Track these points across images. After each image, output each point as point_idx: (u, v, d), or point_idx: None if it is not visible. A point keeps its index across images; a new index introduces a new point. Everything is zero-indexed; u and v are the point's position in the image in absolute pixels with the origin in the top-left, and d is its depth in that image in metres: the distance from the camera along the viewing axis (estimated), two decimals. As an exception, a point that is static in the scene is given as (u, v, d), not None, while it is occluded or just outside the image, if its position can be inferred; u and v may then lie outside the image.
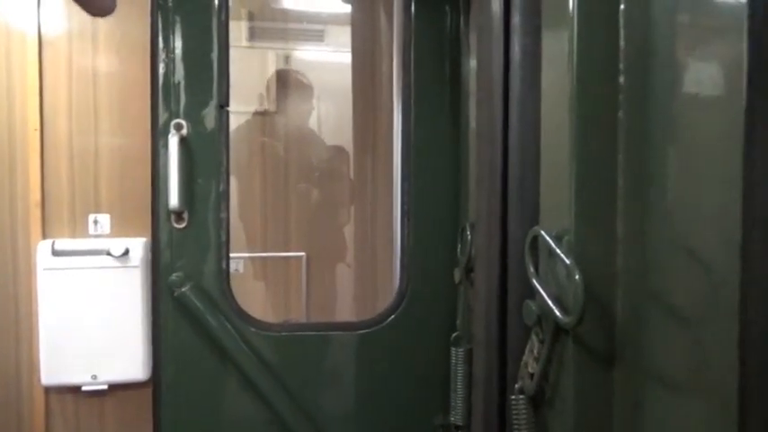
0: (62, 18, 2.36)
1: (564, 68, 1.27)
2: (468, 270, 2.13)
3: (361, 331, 2.38)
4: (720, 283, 0.95)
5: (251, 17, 3.60)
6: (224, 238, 2.27)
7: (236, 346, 2.27)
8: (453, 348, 2.20)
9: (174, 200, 2.14)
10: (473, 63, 2.09)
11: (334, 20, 3.71)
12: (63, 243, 2.33)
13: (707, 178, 0.99)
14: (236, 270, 3.25)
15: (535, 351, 1.37)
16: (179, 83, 2.22)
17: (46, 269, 2.30)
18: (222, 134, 2.26)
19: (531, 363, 1.38)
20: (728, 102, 0.93)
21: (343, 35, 3.37)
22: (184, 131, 2.21)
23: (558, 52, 1.31)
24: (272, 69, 3.57)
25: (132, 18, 2.34)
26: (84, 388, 2.36)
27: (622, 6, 1.21)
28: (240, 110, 3.37)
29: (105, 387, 2.37)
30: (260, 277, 3.43)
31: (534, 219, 1.43)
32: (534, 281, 1.34)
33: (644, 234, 1.16)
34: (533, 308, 1.36)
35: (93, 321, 2.32)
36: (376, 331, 2.38)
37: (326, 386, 2.37)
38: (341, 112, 3.31)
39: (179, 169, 2.15)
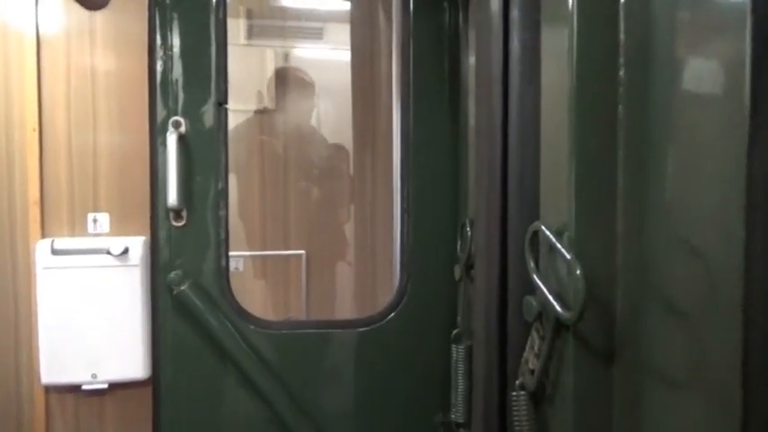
0: (60, 16, 2.35)
1: (564, 64, 1.26)
2: (469, 267, 2.13)
3: (362, 329, 2.38)
4: (721, 279, 0.95)
5: (249, 15, 3.59)
6: (223, 236, 2.26)
7: (235, 344, 2.27)
8: (454, 345, 2.20)
9: (172, 198, 2.14)
10: (472, 59, 2.08)
11: (333, 17, 3.70)
12: (62, 242, 2.33)
13: (708, 174, 0.98)
14: (236, 268, 3.25)
15: (536, 347, 1.36)
16: (177, 80, 2.21)
17: (45, 268, 2.30)
18: (221, 132, 2.25)
19: (531, 359, 1.38)
20: (730, 98, 0.92)
21: (343, 33, 3.36)
22: (183, 129, 2.21)
23: (558, 48, 1.30)
24: (270, 67, 3.56)
25: (130, 15, 2.33)
26: (84, 387, 2.35)
27: (622, 0, 1.20)
28: (239, 108, 3.36)
29: (105, 386, 2.37)
30: (260, 276, 3.43)
31: (534, 215, 1.43)
32: (535, 276, 1.34)
33: (644, 230, 1.16)
34: (534, 303, 1.35)
35: (93, 320, 2.32)
36: (376, 329, 2.38)
37: (326, 384, 2.37)
38: (340, 110, 3.30)
39: (177, 167, 2.14)
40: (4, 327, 2.37)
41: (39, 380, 2.34)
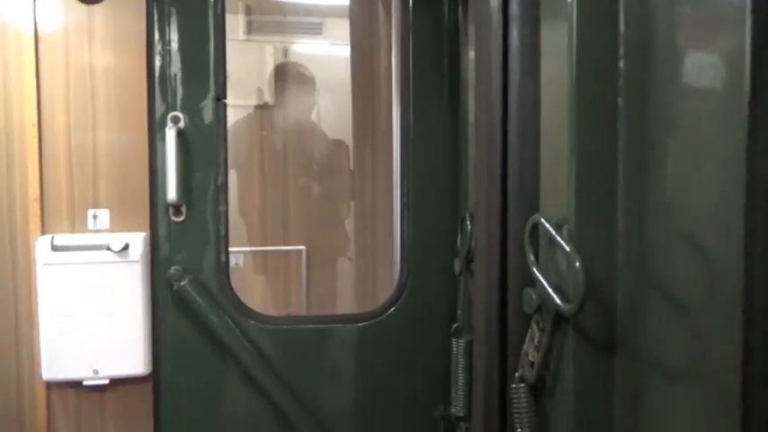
0: (58, 12, 2.35)
1: (563, 57, 1.26)
2: (469, 261, 2.13)
3: (362, 324, 2.38)
4: (721, 272, 0.95)
5: (248, 10, 3.59)
6: (223, 232, 2.26)
7: (235, 340, 2.27)
8: (454, 339, 2.20)
9: (171, 193, 2.14)
10: (472, 54, 2.08)
11: (332, 12, 3.70)
12: (62, 238, 2.33)
13: (708, 167, 0.98)
14: (236, 264, 3.25)
15: (535, 340, 1.37)
16: (175, 75, 2.21)
17: (45, 264, 2.30)
18: (220, 127, 2.25)
19: (531, 351, 1.38)
20: (731, 91, 0.92)
21: (342, 28, 3.36)
22: (182, 124, 2.20)
23: (557, 41, 1.30)
24: (270, 63, 3.56)
25: (128, 11, 2.33)
26: (85, 383, 2.36)
27: None
28: (239, 103, 3.36)
29: (106, 382, 2.37)
30: (260, 271, 3.43)
31: (534, 208, 1.43)
32: (534, 269, 1.34)
33: (644, 223, 1.16)
34: (533, 296, 1.36)
35: (94, 316, 2.32)
36: (376, 323, 2.38)
37: (326, 379, 2.37)
38: (340, 106, 3.30)
39: (176, 162, 2.14)
40: (5, 323, 2.37)
41: (40, 376, 2.34)
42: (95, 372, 2.34)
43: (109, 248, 2.31)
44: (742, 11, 0.88)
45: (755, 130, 0.88)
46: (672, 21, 1.09)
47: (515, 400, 1.41)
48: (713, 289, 0.97)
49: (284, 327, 2.38)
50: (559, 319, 1.28)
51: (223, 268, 2.27)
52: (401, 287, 2.40)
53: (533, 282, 1.36)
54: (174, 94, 2.21)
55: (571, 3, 1.23)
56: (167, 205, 2.20)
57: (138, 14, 2.26)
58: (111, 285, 2.32)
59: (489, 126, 1.56)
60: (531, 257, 1.36)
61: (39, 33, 2.32)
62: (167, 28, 2.20)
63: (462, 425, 2.18)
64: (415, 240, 2.38)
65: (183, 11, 2.20)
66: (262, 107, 3.42)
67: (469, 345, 2.07)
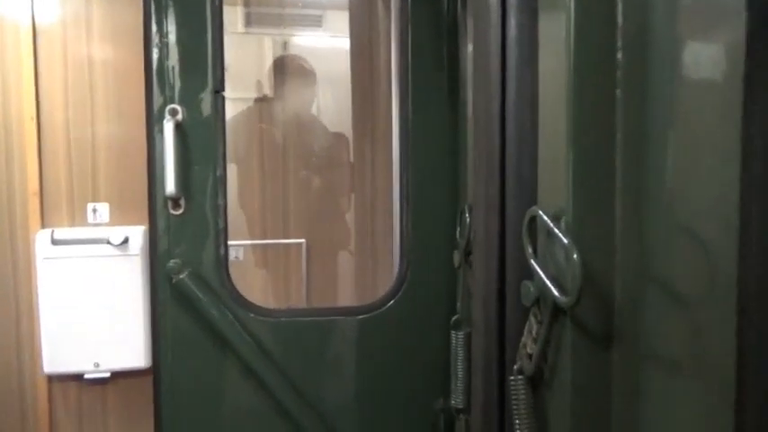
0: (56, 4, 2.34)
1: (561, 48, 1.25)
2: (468, 253, 2.13)
3: (362, 316, 2.39)
4: (719, 265, 0.94)
5: (247, 3, 3.57)
6: (222, 225, 2.26)
7: (235, 333, 2.28)
8: (453, 332, 2.20)
9: (170, 186, 2.13)
10: (471, 47, 2.07)
11: (332, 5, 3.69)
12: (62, 232, 2.33)
13: (707, 159, 0.98)
14: (236, 258, 3.25)
15: (534, 332, 1.37)
16: (173, 68, 2.21)
17: (45, 258, 2.30)
18: (218, 120, 2.25)
19: (529, 344, 1.38)
20: (729, 82, 0.91)
21: (342, 20, 3.34)
22: (179, 117, 2.20)
23: (555, 32, 1.30)
24: (269, 55, 3.55)
25: (126, 2, 2.32)
26: (86, 376, 2.37)
27: None
28: (238, 96, 3.35)
29: (107, 375, 2.38)
30: (260, 265, 3.43)
31: (532, 200, 1.42)
32: (532, 261, 1.34)
33: (642, 215, 1.15)
34: (531, 288, 1.36)
35: (94, 310, 2.32)
36: (376, 316, 2.38)
37: (326, 371, 2.38)
38: (340, 98, 3.29)
39: (175, 155, 2.14)
40: (6, 318, 2.38)
41: (41, 370, 2.35)
42: (96, 365, 2.35)
43: (109, 242, 2.31)
44: (739, 1, 0.87)
45: (751, 120, 0.87)
46: (670, 12, 1.08)
47: (514, 392, 1.41)
48: (712, 282, 0.97)
49: (284, 319, 2.38)
50: (557, 311, 1.28)
51: (222, 261, 2.27)
52: (401, 280, 2.40)
53: (531, 274, 1.35)
54: (173, 87, 2.21)
55: None
56: (166, 198, 2.20)
57: (135, 6, 2.25)
58: (111, 279, 2.33)
59: (487, 118, 1.56)
60: (530, 250, 1.35)
61: (37, 26, 2.31)
62: (165, 20, 2.19)
63: (462, 417, 2.18)
64: (415, 233, 2.38)
65: (180, 3, 2.20)
66: (261, 100, 3.41)
67: (469, 337, 2.07)
